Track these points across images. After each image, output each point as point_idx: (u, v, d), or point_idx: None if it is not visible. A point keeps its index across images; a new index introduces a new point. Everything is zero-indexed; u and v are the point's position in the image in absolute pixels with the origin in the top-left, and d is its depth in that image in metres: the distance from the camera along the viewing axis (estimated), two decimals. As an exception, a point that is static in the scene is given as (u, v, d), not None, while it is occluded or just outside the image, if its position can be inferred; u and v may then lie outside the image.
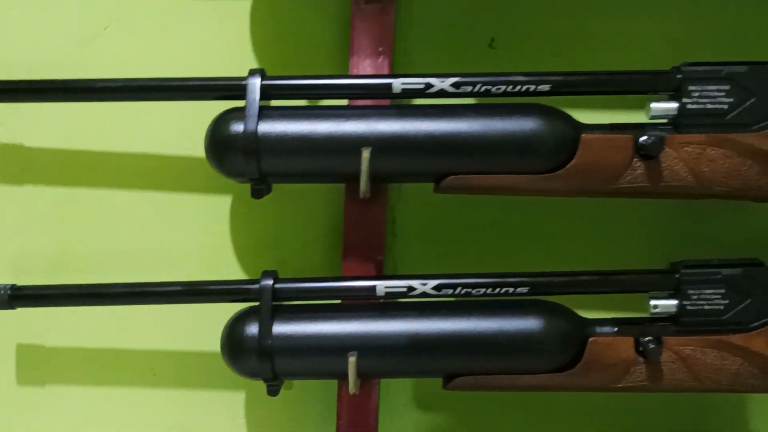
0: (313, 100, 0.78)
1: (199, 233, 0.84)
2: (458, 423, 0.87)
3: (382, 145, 0.71)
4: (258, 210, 0.83)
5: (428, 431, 0.86)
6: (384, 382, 0.85)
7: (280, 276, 0.76)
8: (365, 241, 0.80)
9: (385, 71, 0.78)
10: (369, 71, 0.77)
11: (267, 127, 0.71)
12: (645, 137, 0.70)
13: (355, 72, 0.77)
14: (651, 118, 0.72)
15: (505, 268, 0.77)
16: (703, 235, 0.84)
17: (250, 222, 0.84)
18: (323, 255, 0.83)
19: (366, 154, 0.70)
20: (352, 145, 0.71)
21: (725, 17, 0.81)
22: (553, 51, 0.81)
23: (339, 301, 0.78)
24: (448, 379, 0.75)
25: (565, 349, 0.73)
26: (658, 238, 0.84)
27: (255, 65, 0.82)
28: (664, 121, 0.72)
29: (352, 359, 0.72)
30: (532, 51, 0.81)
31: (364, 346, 0.73)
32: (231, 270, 0.84)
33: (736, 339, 0.72)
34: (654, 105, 0.71)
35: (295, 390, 0.86)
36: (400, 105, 0.76)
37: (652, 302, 0.74)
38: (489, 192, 0.72)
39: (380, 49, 0.78)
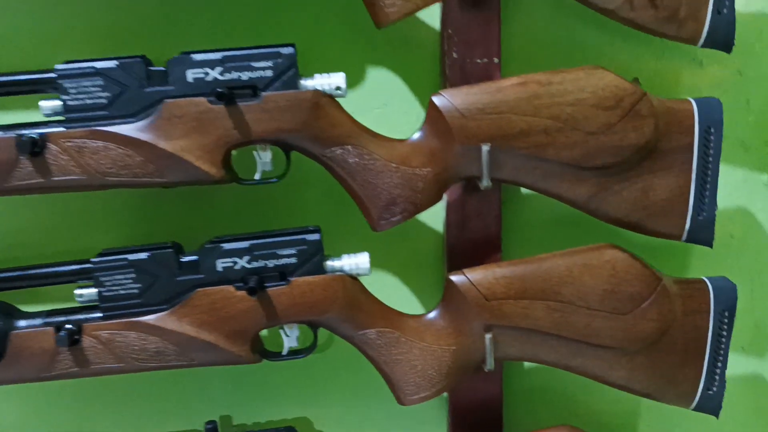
0: None
1: None
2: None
3: None
4: None
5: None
6: None
7: None
8: None
9: None
10: None
11: None
12: (20, 137, 0.72)
13: None
14: (45, 116, 0.75)
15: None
16: (205, 218, 0.88)
17: None
18: None
19: None
20: None
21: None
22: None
23: None
24: None
25: None
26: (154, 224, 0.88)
27: None
28: (62, 118, 0.75)
29: None
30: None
31: None
32: None
33: (150, 319, 0.76)
34: (42, 103, 0.74)
35: None
36: None
37: (77, 291, 0.77)
38: None
39: None
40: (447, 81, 0.84)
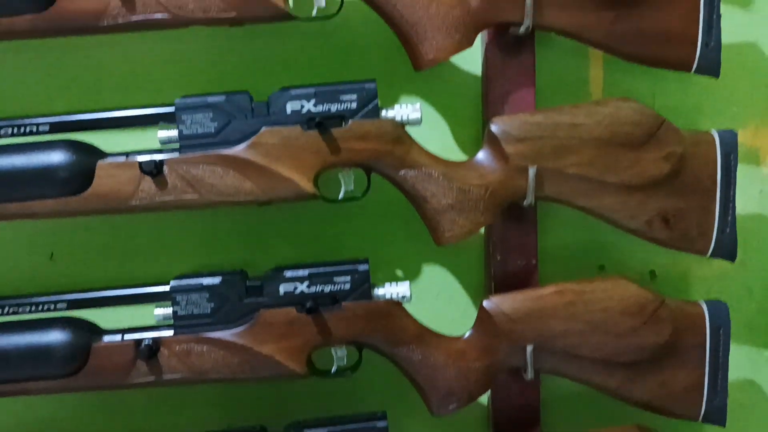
0: None
1: None
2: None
3: None
4: None
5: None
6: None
7: None
8: None
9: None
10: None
11: None
12: (138, 344, 0.85)
13: None
14: (156, 321, 0.87)
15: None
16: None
17: None
18: None
19: None
20: None
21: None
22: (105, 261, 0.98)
23: None
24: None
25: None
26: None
27: None
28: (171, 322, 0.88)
29: None
30: (89, 261, 0.97)
31: None
32: None
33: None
34: (156, 312, 0.87)
35: None
36: None
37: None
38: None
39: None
40: (492, 279, 0.98)
